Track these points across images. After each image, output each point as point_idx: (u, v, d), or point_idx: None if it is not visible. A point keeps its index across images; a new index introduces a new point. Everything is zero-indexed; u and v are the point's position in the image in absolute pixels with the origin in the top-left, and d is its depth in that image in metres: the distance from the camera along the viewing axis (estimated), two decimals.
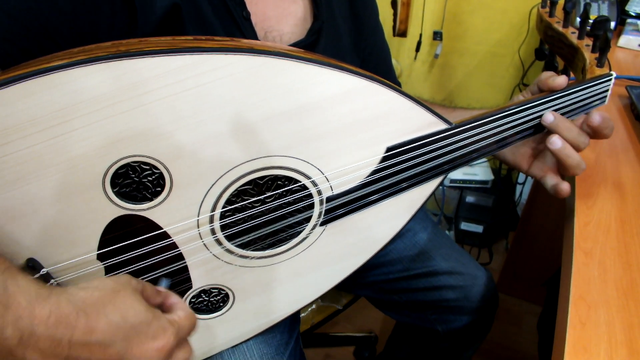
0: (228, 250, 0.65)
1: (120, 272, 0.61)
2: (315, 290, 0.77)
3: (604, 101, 0.78)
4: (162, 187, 0.57)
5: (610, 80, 0.76)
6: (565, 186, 0.74)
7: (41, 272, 0.55)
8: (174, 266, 0.63)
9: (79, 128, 0.50)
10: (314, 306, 1.24)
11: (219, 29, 0.70)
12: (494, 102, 2.29)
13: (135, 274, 0.62)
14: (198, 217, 0.61)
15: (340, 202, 0.68)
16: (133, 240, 0.59)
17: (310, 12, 0.82)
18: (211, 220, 0.62)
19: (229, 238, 0.65)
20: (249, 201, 0.63)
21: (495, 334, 1.42)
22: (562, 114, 0.74)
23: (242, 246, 0.66)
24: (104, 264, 0.59)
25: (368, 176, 0.68)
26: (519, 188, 2.28)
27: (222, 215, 0.62)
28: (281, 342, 0.87)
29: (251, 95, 0.56)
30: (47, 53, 0.53)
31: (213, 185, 0.59)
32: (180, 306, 0.56)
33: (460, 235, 2.26)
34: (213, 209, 0.61)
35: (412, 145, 0.68)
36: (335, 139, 0.63)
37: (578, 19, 0.84)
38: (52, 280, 0.56)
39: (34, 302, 0.44)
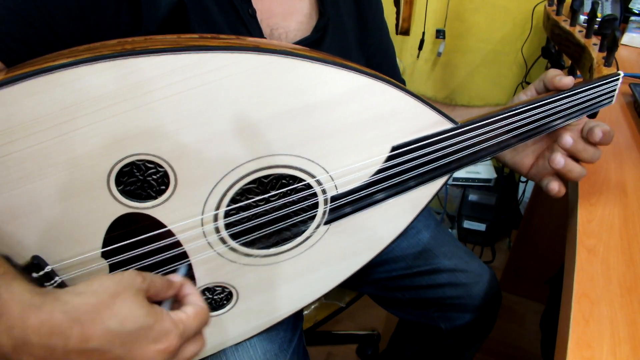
0: (232, 249, 0.66)
1: (125, 269, 0.61)
2: (318, 289, 0.77)
3: (611, 101, 0.77)
4: (167, 185, 0.57)
5: (617, 79, 0.75)
6: (555, 185, 0.75)
7: (45, 270, 0.55)
8: (178, 264, 0.64)
9: (83, 126, 0.50)
10: (317, 304, 1.24)
11: (224, 26, 0.70)
12: (497, 100, 2.28)
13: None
14: (202, 215, 0.61)
15: (344, 202, 0.68)
16: (137, 238, 0.59)
17: (315, 9, 0.82)
18: (215, 218, 0.62)
19: (233, 236, 0.65)
20: (253, 200, 0.64)
21: (498, 332, 1.42)
22: (568, 114, 0.74)
23: (246, 245, 0.67)
24: (108, 262, 0.59)
25: (373, 175, 0.68)
26: (521, 186, 2.27)
27: (227, 214, 0.63)
28: (284, 340, 0.87)
29: (256, 94, 0.56)
30: (53, 50, 0.53)
31: (217, 183, 0.60)
32: (193, 299, 0.55)
33: (463, 233, 2.26)
34: (217, 208, 0.61)
35: (417, 145, 0.68)
36: (340, 138, 0.63)
37: (584, 17, 0.84)
38: (57, 278, 0.56)
39: (27, 311, 0.43)
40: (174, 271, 0.64)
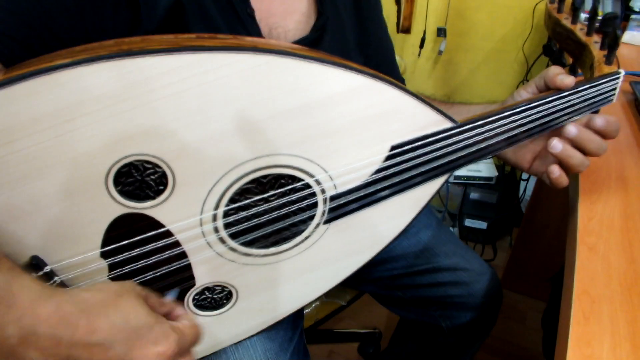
0: (231, 249, 0.66)
1: (124, 269, 0.61)
2: (318, 288, 0.77)
3: (612, 99, 0.77)
4: (165, 185, 0.57)
5: (619, 78, 0.75)
6: (555, 168, 0.74)
7: (45, 270, 0.55)
8: (177, 264, 0.64)
9: (82, 127, 0.50)
10: (318, 302, 1.24)
11: (222, 26, 0.70)
12: (498, 98, 2.26)
13: (139, 272, 0.62)
14: (201, 215, 0.61)
15: (343, 201, 0.68)
16: (136, 239, 0.59)
17: (314, 8, 0.82)
18: (214, 218, 0.62)
19: (233, 236, 0.65)
20: (252, 199, 0.63)
21: (499, 330, 1.42)
22: (569, 113, 0.74)
23: (246, 244, 0.66)
24: (107, 262, 0.59)
25: (372, 175, 0.68)
26: (523, 184, 2.27)
27: (225, 214, 0.63)
28: (285, 338, 0.87)
29: (254, 94, 0.56)
30: (50, 51, 0.53)
31: (216, 183, 0.59)
32: (186, 317, 0.56)
33: (464, 231, 2.25)
34: (216, 207, 0.61)
35: (416, 144, 0.68)
36: (339, 137, 0.63)
37: (584, 15, 0.83)
38: (56, 278, 0.56)
39: (37, 301, 0.44)
40: (172, 272, 0.64)
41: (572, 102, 0.73)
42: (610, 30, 0.75)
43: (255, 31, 0.72)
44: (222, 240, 0.64)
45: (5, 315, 0.42)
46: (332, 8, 0.83)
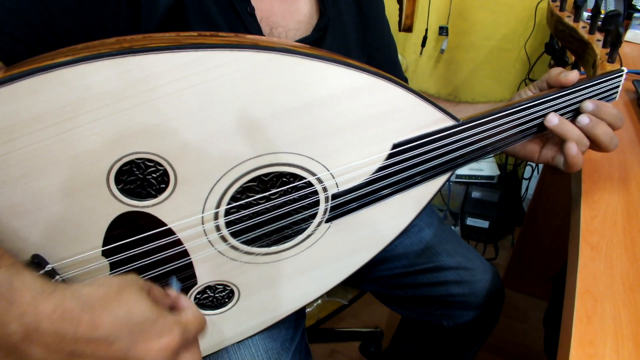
0: (233, 247, 0.66)
1: (126, 268, 0.61)
2: (320, 287, 0.77)
3: (615, 97, 0.77)
4: (167, 183, 0.57)
5: (621, 76, 0.75)
6: (573, 147, 0.71)
7: (46, 269, 0.55)
8: (179, 262, 0.64)
9: (84, 125, 0.50)
10: (319, 301, 1.24)
11: (223, 25, 0.70)
12: (500, 97, 2.26)
13: (141, 270, 0.62)
14: (202, 213, 0.61)
15: (345, 199, 0.68)
16: (138, 237, 0.59)
17: (316, 9, 0.81)
18: (216, 217, 0.62)
19: (234, 235, 0.65)
20: (253, 198, 0.63)
21: (501, 329, 1.42)
22: (572, 110, 0.74)
23: (247, 243, 0.66)
24: (109, 260, 0.59)
25: (374, 173, 0.68)
26: (524, 183, 2.27)
27: (227, 212, 0.62)
28: (287, 337, 0.87)
29: (256, 92, 0.56)
30: (51, 49, 0.53)
31: (217, 181, 0.59)
32: (191, 309, 0.56)
33: (466, 230, 2.25)
34: (218, 206, 0.61)
35: (418, 142, 0.67)
36: (341, 135, 0.63)
37: (587, 13, 0.83)
38: (57, 277, 0.56)
39: (39, 297, 0.44)
40: (174, 271, 0.64)
41: (575, 100, 0.73)
42: (612, 28, 0.75)
43: (256, 30, 0.72)
44: (223, 239, 0.64)
45: (8, 312, 0.42)
46: (334, 9, 0.82)
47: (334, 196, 0.67)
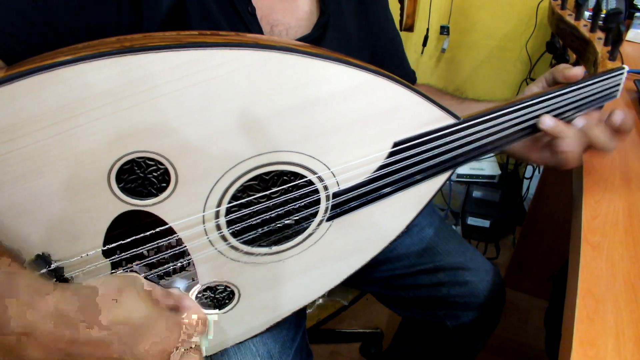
0: (233, 247, 0.65)
1: (127, 268, 0.61)
2: (321, 287, 0.77)
3: (615, 95, 0.77)
4: (168, 182, 0.57)
5: (622, 74, 0.75)
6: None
7: (50, 267, 0.55)
8: (180, 262, 0.63)
9: (84, 124, 0.50)
10: (320, 302, 1.24)
11: (224, 24, 0.70)
12: (502, 96, 2.26)
13: (142, 270, 0.62)
14: (203, 212, 0.61)
15: (346, 198, 0.68)
16: (139, 236, 0.59)
17: (316, 6, 0.81)
18: (217, 215, 0.62)
19: (235, 234, 0.65)
20: (254, 197, 0.63)
21: (502, 329, 1.42)
22: (573, 109, 0.74)
23: (248, 242, 0.66)
24: (110, 260, 0.59)
25: (375, 171, 0.67)
26: (526, 183, 2.27)
27: (228, 211, 0.62)
28: (287, 338, 0.87)
29: (257, 91, 0.56)
30: (53, 49, 0.53)
31: (218, 180, 0.59)
32: (194, 309, 0.56)
33: (467, 230, 2.25)
34: (218, 205, 0.61)
35: (419, 140, 0.67)
36: (342, 134, 0.63)
37: (588, 12, 0.83)
38: (59, 276, 0.56)
39: (37, 298, 0.44)
40: (175, 270, 0.64)
41: (576, 98, 0.73)
42: (613, 26, 0.75)
43: (256, 29, 0.72)
44: (224, 238, 0.64)
45: (5, 312, 0.42)
46: (335, 6, 0.82)
47: (335, 195, 0.67)
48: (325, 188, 0.66)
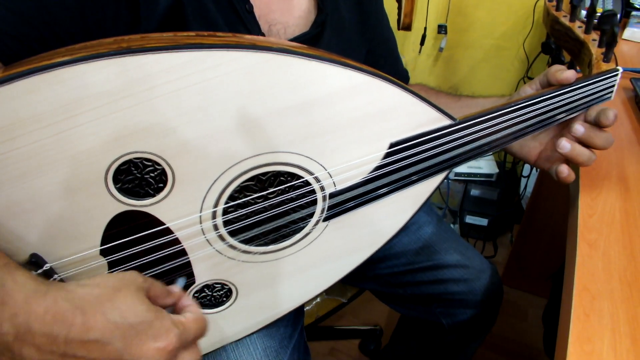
0: (231, 246, 0.66)
1: (124, 267, 0.61)
2: (318, 285, 0.77)
3: (610, 97, 0.77)
4: (165, 183, 0.57)
5: (616, 75, 0.75)
6: (564, 168, 0.75)
7: (44, 268, 0.55)
8: (177, 261, 0.64)
9: (82, 124, 0.50)
10: (318, 299, 1.24)
11: (221, 23, 0.70)
12: (499, 95, 2.27)
13: (139, 269, 0.62)
14: (200, 212, 0.61)
15: (343, 198, 0.68)
16: (136, 236, 0.59)
17: (314, 4, 0.82)
18: (214, 216, 0.62)
19: (232, 234, 0.65)
20: (251, 197, 0.64)
21: (500, 327, 1.42)
22: (567, 110, 0.74)
23: (245, 242, 0.67)
24: (107, 259, 0.59)
25: (371, 172, 0.68)
26: (523, 181, 2.27)
27: (225, 211, 0.63)
28: (285, 335, 0.87)
29: (254, 92, 0.56)
30: (50, 49, 0.53)
31: (215, 181, 0.60)
32: (192, 309, 0.56)
33: (465, 228, 2.25)
34: (215, 205, 0.61)
35: (415, 141, 0.68)
36: (338, 135, 0.63)
37: (583, 12, 0.83)
38: (56, 276, 0.56)
39: (31, 298, 0.43)
40: (172, 270, 0.64)
41: (570, 100, 0.73)
42: (608, 28, 0.75)
43: (255, 27, 0.72)
44: (221, 238, 0.64)
45: (0, 313, 0.42)
46: (333, 4, 0.83)
47: (332, 195, 0.67)
48: (322, 188, 0.66)
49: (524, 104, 0.72)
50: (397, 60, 1.06)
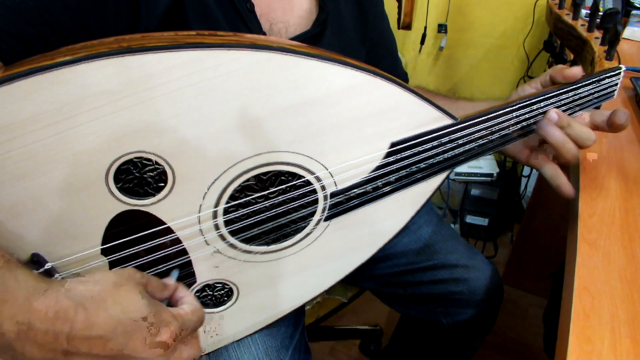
0: (232, 245, 0.66)
1: (124, 266, 0.61)
2: (319, 285, 0.77)
3: (613, 95, 0.77)
4: (165, 182, 0.57)
5: (619, 73, 0.75)
6: (568, 187, 0.74)
7: (45, 267, 0.55)
8: (178, 261, 0.64)
9: (83, 124, 0.50)
10: (319, 299, 1.24)
11: (222, 22, 0.70)
12: (499, 94, 2.26)
13: (140, 268, 0.61)
14: (201, 212, 0.61)
15: (344, 198, 0.68)
16: (137, 235, 0.59)
17: (315, 3, 0.82)
18: (215, 215, 0.62)
19: (233, 233, 0.65)
20: (252, 197, 0.64)
21: (500, 326, 1.42)
22: (570, 108, 0.74)
23: (246, 241, 0.67)
24: (108, 259, 0.59)
25: (372, 171, 0.68)
26: (524, 181, 2.27)
27: (226, 211, 0.63)
28: (286, 335, 0.87)
29: (254, 91, 0.56)
30: (52, 48, 0.53)
31: (216, 180, 0.59)
32: (188, 300, 0.56)
33: (466, 228, 2.25)
34: (216, 205, 0.61)
35: (416, 141, 0.68)
36: (339, 134, 0.63)
37: (585, 11, 0.83)
38: (57, 275, 0.56)
39: (32, 296, 0.44)
40: (171, 270, 0.64)
41: (573, 98, 0.73)
42: (610, 26, 0.75)
43: (256, 26, 0.72)
44: (222, 237, 0.64)
45: (1, 311, 0.42)
46: (333, 3, 0.83)
47: (333, 194, 0.67)
48: (323, 188, 0.66)
49: (527, 103, 0.71)
50: (396, 62, 1.06)
